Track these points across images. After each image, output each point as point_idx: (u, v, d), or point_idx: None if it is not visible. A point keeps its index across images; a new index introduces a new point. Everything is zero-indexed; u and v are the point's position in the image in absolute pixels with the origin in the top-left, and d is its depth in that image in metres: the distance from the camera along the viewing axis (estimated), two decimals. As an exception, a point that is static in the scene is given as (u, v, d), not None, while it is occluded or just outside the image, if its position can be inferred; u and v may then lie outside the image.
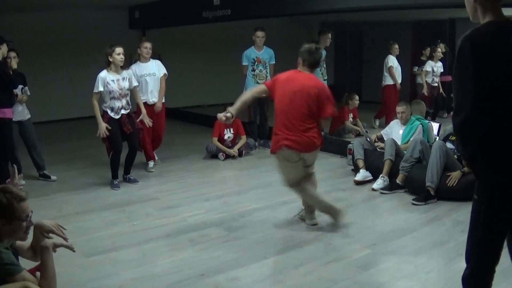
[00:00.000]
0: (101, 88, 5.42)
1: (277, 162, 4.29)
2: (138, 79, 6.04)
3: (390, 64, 8.65)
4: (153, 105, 6.23)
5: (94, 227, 4.36)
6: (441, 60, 9.49)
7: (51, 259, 2.46)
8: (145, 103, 6.08)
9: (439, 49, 9.34)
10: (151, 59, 6.26)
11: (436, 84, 9.38)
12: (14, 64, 5.49)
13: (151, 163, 6.40)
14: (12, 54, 5.52)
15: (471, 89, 2.04)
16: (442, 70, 9.41)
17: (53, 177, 5.96)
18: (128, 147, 5.69)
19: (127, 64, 5.75)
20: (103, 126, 5.36)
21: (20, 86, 5.73)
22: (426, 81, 9.28)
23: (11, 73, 5.32)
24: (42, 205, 4.94)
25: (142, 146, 6.21)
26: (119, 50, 5.40)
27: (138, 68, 6.16)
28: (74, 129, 9.63)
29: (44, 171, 5.97)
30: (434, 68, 9.29)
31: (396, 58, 8.78)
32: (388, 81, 8.75)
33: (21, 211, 2.36)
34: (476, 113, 2.04)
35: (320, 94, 4.08)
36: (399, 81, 8.81)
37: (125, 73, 5.60)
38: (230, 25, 9.51)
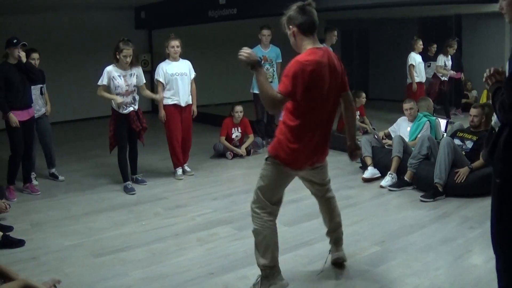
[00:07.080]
0: (105, 82, 5.30)
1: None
2: (169, 78, 5.77)
3: (410, 62, 8.45)
4: (185, 107, 5.91)
5: (103, 228, 4.38)
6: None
7: None
8: (176, 105, 5.84)
9: (454, 44, 9.21)
10: (180, 59, 5.91)
11: (445, 79, 9.29)
12: (36, 64, 5.60)
13: (179, 170, 6.08)
14: (36, 55, 5.65)
15: None
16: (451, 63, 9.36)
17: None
18: (128, 147, 5.63)
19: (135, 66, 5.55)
20: (118, 99, 5.29)
21: (40, 86, 5.74)
22: (433, 75, 9.24)
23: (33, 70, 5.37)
24: (51, 206, 4.98)
25: (170, 150, 6.01)
26: (126, 52, 5.22)
27: (169, 66, 5.81)
28: (81, 129, 9.69)
29: (53, 171, 6.04)
30: (446, 62, 9.22)
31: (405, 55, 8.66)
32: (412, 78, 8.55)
33: None
34: None
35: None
36: (423, 79, 8.65)
37: (133, 69, 5.43)
38: (236, 24, 9.51)
